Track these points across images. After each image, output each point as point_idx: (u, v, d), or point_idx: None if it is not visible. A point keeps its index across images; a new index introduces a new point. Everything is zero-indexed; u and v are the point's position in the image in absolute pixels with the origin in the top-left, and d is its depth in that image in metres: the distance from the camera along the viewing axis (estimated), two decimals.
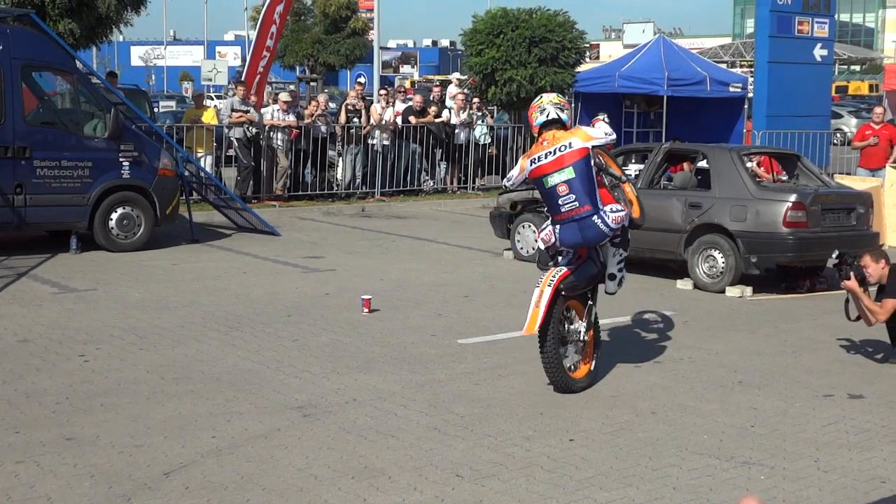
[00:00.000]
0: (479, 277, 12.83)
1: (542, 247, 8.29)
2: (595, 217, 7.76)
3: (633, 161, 16.36)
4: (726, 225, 12.12)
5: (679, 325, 10.37)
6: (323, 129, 19.94)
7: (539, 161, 7.92)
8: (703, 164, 13.08)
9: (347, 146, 20.45)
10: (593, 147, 7.86)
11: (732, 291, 12.01)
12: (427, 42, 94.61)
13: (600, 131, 8.05)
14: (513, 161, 23.05)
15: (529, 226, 14.05)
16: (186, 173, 16.28)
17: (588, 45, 25.50)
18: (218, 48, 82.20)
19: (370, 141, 20.71)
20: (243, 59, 39.49)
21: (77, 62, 15.19)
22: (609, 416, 7.22)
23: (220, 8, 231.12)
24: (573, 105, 23.72)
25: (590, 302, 8.24)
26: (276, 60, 34.31)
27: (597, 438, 6.74)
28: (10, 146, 13.06)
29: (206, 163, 18.73)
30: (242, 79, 20.95)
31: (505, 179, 9.58)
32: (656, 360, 8.86)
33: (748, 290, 12.03)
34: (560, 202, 7.80)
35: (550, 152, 7.89)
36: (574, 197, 7.76)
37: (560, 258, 8.14)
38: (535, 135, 8.22)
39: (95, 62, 49.56)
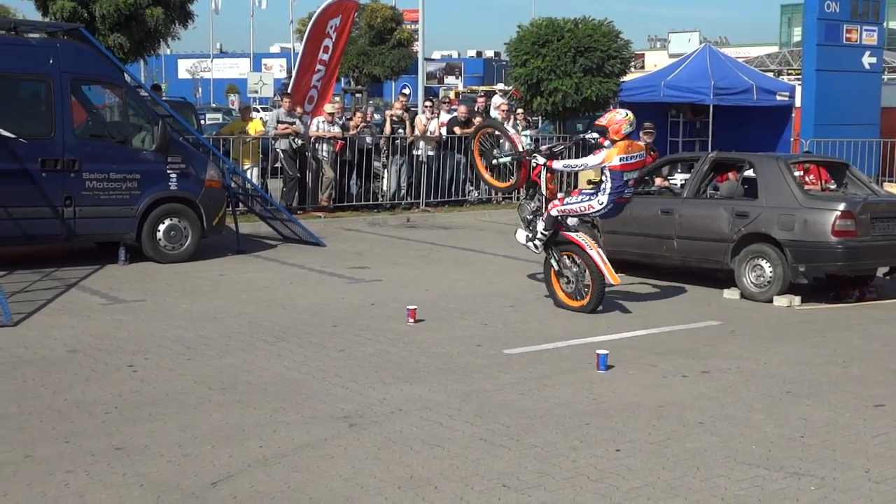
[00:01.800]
0: (525, 287, 12.81)
1: (558, 216, 11.44)
2: None
3: (679, 170, 16.27)
4: (774, 234, 12.01)
5: (726, 335, 10.29)
6: (368, 140, 20.01)
7: (628, 160, 11.03)
8: (749, 173, 12.98)
9: (392, 157, 20.51)
10: None
11: (780, 301, 11.89)
12: (471, 53, 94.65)
13: None
14: (558, 172, 22.97)
15: None
16: (233, 185, 16.40)
17: (633, 55, 25.42)
18: (264, 61, 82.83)
19: (415, 152, 20.76)
20: (289, 72, 39.75)
21: (125, 75, 15.38)
22: (656, 427, 7.17)
23: (266, 21, 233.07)
24: None
25: None
26: None
27: (644, 449, 6.70)
28: (60, 159, 13.23)
29: (253, 174, 18.87)
30: (289, 91, 21.07)
31: (577, 162, 11.97)
32: (703, 370, 8.79)
33: (796, 299, 11.91)
34: (624, 190, 11.19)
35: (634, 157, 11.14)
36: (631, 190, 11.42)
37: (568, 222, 11.59)
38: (615, 139, 11.00)
39: (143, 75, 50.13)
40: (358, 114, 21.21)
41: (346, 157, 19.72)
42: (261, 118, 22.17)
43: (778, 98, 23.00)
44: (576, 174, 22.38)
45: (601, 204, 11.18)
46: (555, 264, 11.57)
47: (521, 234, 12.02)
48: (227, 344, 9.42)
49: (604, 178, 11.14)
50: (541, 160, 11.69)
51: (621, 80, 23.05)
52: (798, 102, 23.54)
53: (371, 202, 20.35)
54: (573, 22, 22.75)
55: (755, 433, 7.05)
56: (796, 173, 13.22)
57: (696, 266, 13.06)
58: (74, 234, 13.55)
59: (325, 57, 21.11)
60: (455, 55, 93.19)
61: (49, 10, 20.95)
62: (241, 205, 16.87)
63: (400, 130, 20.73)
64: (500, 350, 9.38)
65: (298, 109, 19.94)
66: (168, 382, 8.10)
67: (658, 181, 14.38)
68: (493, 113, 23.54)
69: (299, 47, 23.90)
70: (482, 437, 6.85)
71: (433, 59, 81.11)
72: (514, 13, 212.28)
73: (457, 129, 21.38)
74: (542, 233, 11.57)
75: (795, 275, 11.89)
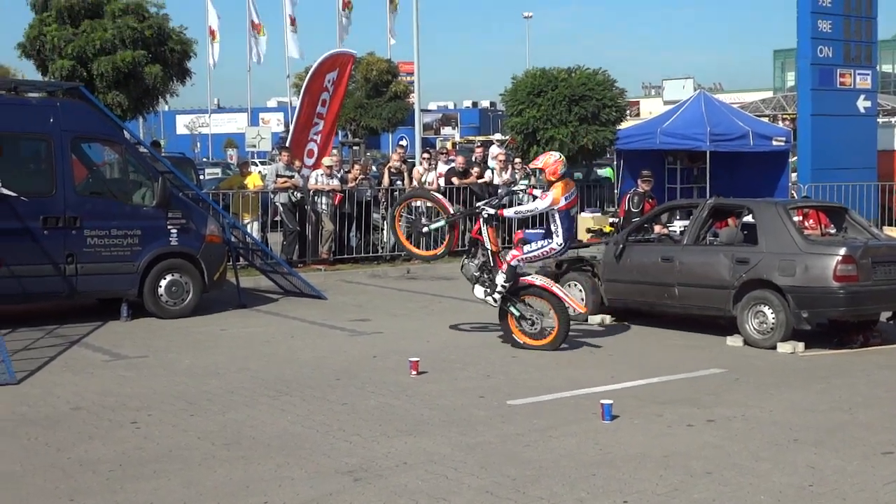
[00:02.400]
0: None
1: (529, 259, 12.13)
2: None
3: (678, 217, 16.31)
4: (775, 280, 12.01)
5: (730, 383, 10.26)
6: (368, 192, 20.06)
7: (570, 198, 11.84)
8: (748, 218, 13.01)
9: (391, 208, 20.54)
10: None
11: (784, 347, 11.87)
12: (467, 103, 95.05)
13: None
14: None
15: (576, 285, 14.02)
16: (233, 239, 16.43)
17: (628, 103, 25.58)
18: (261, 115, 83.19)
19: (414, 203, 20.78)
20: (286, 126, 39.93)
21: (125, 133, 15.47)
22: (663, 477, 7.13)
23: (262, 75, 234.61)
24: (616, 163, 23.77)
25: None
26: None
27: (651, 500, 6.66)
28: (62, 216, 13.27)
29: (253, 229, 18.91)
30: (287, 144, 21.16)
31: (527, 208, 12.48)
32: (709, 419, 8.75)
33: (800, 345, 11.88)
34: (572, 227, 12.11)
35: (573, 194, 11.97)
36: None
37: (528, 270, 12.37)
38: (553, 179, 11.87)
39: (142, 132, 50.35)
40: (356, 166, 21.28)
41: (345, 210, 19.77)
42: (259, 172, 22.24)
43: (774, 143, 23.11)
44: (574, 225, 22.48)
45: (560, 245, 11.99)
46: (515, 311, 12.00)
47: (479, 290, 12.27)
48: (230, 399, 9.39)
49: (552, 220, 11.93)
50: (491, 211, 12.16)
51: (617, 127, 23.17)
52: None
53: (371, 254, 20.37)
54: (567, 71, 22.91)
55: (763, 482, 7.01)
56: (796, 218, 13.25)
57: (697, 313, 13.05)
58: (76, 291, 13.56)
59: (323, 110, 21.19)
60: (451, 106, 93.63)
61: (49, 69, 21.12)
62: (241, 259, 16.87)
63: (398, 182, 20.80)
64: (503, 401, 9.35)
65: (297, 163, 20.02)
66: (171, 439, 8.06)
67: (657, 228, 14.41)
68: (492, 163, 23.63)
69: (296, 101, 24.04)
70: (488, 490, 6.81)
71: (429, 111, 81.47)
72: (508, 64, 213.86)
73: (455, 180, 21.45)
74: (502, 285, 11.96)
75: (798, 321, 11.87)
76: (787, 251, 12.09)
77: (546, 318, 11.93)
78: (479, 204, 12.66)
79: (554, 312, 11.88)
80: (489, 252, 12.21)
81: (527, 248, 12.09)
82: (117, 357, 11.42)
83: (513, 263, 11.99)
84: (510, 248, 12.40)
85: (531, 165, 12.37)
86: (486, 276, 12.18)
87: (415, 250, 13.70)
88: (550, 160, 12.05)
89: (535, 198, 12.23)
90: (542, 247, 12.06)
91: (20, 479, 7.05)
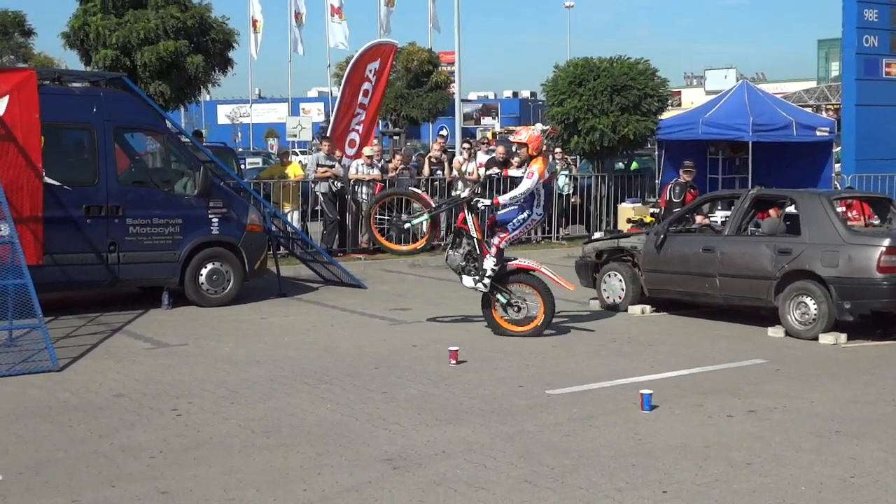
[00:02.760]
0: (566, 327, 12.75)
1: (516, 237, 12.29)
2: None
3: (720, 208, 16.19)
4: (818, 271, 11.90)
5: (772, 374, 10.19)
6: (407, 180, 20.07)
7: (550, 169, 12.34)
8: (791, 209, 12.89)
9: (431, 198, 20.53)
10: None
11: (826, 339, 11.76)
12: (508, 93, 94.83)
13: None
14: (597, 210, 23.00)
15: (616, 275, 13.98)
16: (274, 228, 16.51)
17: (670, 93, 25.37)
18: (302, 105, 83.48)
19: (454, 192, 20.80)
20: (326, 116, 40.06)
21: (167, 122, 15.57)
22: (703, 468, 7.09)
23: (303, 65, 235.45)
24: (657, 153, 23.61)
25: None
26: None
27: (691, 490, 6.62)
28: (104, 205, 13.39)
29: (293, 218, 18.99)
30: (327, 134, 21.22)
31: (519, 192, 11.96)
32: (749, 410, 8.69)
33: (842, 336, 11.77)
34: (549, 196, 11.56)
35: (550, 166, 12.33)
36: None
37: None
38: (533, 154, 12.07)
39: (184, 122, 50.67)
40: (397, 156, 21.30)
41: None
42: (300, 161, 22.32)
43: (818, 133, 22.84)
44: (615, 214, 22.38)
45: (539, 215, 12.30)
46: (502, 298, 12.09)
47: (468, 280, 12.20)
48: (271, 387, 9.44)
49: (536, 193, 12.02)
50: (487, 202, 12.16)
51: (659, 118, 23.01)
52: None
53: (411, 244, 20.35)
54: (608, 61, 22.76)
55: (804, 474, 6.95)
56: (839, 209, 13.11)
57: (738, 304, 12.96)
58: (118, 280, 13.68)
59: (365, 100, 21.24)
60: (491, 96, 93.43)
61: (92, 59, 21.30)
62: (281, 248, 16.96)
63: (438, 172, 20.79)
64: (542, 391, 9.33)
65: (338, 153, 20.07)
66: (212, 426, 8.12)
67: (699, 219, 14.31)
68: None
69: (337, 91, 24.10)
70: (527, 479, 6.81)
71: (470, 101, 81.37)
72: (549, 54, 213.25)
73: (495, 169, 21.40)
74: (492, 269, 11.99)
75: (841, 312, 11.76)
76: (830, 242, 11.97)
77: (531, 303, 12.03)
78: (466, 194, 12.68)
79: (539, 297, 12.01)
80: (474, 240, 12.18)
81: (511, 226, 12.11)
82: (158, 345, 11.52)
83: (501, 246, 12.06)
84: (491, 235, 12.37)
85: (514, 140, 12.40)
86: (472, 265, 12.16)
87: (392, 246, 13.47)
88: (534, 134, 12.25)
89: (511, 179, 12.56)
90: (525, 221, 12.17)
91: (64, 464, 7.13)
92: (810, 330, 11.91)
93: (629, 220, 20.67)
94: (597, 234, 18.04)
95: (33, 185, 12.52)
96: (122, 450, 7.46)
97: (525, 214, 12.13)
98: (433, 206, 12.80)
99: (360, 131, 21.27)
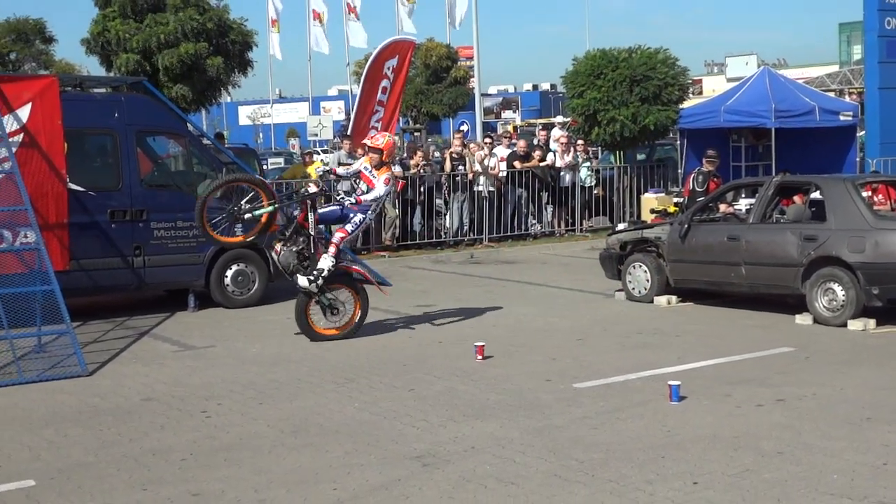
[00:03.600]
0: (592, 320, 12.73)
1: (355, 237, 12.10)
2: None
3: (744, 196, 16.11)
4: (844, 257, 11.82)
5: (800, 362, 10.13)
6: (429, 176, 20.09)
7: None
8: (816, 195, 12.81)
9: (454, 194, 20.57)
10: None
11: (854, 325, 11.68)
12: (528, 86, 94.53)
13: None
14: (620, 201, 22.93)
15: (641, 266, 13.93)
16: None
17: (691, 81, 25.24)
18: (322, 103, 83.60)
19: (476, 188, 20.81)
20: (347, 114, 40.09)
21: (189, 125, 15.63)
22: (733, 458, 7.05)
23: (323, 64, 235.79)
24: (679, 142, 23.51)
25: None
26: None
27: (721, 481, 6.59)
28: (128, 209, 13.46)
29: None
30: (348, 132, 21.24)
31: (377, 192, 11.70)
32: (778, 398, 8.64)
33: (871, 322, 11.69)
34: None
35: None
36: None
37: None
38: (386, 161, 11.85)
39: (205, 124, 50.89)
40: (418, 153, 21.31)
41: (407, 196, 19.82)
42: (321, 160, 22.35)
43: (841, 118, 22.67)
44: (638, 205, 22.29)
45: (374, 212, 12.12)
46: (325, 301, 11.66)
47: (303, 280, 11.52)
48: (298, 387, 9.47)
49: (383, 193, 11.80)
50: (351, 199, 11.67)
51: (680, 107, 22.91)
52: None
53: (434, 240, 20.41)
54: (627, 51, 22.69)
55: (836, 462, 6.91)
56: (865, 194, 13.01)
57: (765, 292, 12.89)
58: (144, 283, 13.76)
59: (384, 97, 21.25)
60: (511, 89, 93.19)
61: (113, 64, 21.44)
62: None
63: (460, 167, 20.80)
64: (569, 384, 9.31)
65: (360, 151, 20.07)
66: (241, 427, 8.15)
67: (723, 207, 14.23)
68: (553, 146, 23.53)
69: (357, 89, 24.13)
70: (556, 474, 6.80)
71: (490, 95, 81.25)
72: (568, 45, 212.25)
73: (517, 164, 21.41)
74: (328, 270, 11.53)
75: (869, 298, 11.67)
76: (856, 227, 11.88)
77: (347, 305, 11.83)
78: (313, 190, 11.89)
79: (354, 298, 11.86)
80: (310, 239, 11.74)
81: (349, 226, 11.71)
82: (186, 347, 11.57)
83: (341, 246, 11.78)
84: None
85: (371, 144, 11.93)
86: (303, 263, 11.65)
87: (220, 238, 12.09)
88: (390, 141, 12.01)
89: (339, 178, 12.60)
90: (362, 222, 11.89)
91: (95, 469, 7.17)
92: (838, 317, 11.83)
93: (653, 211, 20.60)
94: (620, 226, 17.97)
95: (58, 191, 12.62)
96: (153, 453, 7.50)
97: (362, 216, 11.78)
98: (275, 199, 11.94)
99: (380, 128, 21.26)
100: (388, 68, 21.41)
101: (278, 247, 11.77)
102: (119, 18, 21.27)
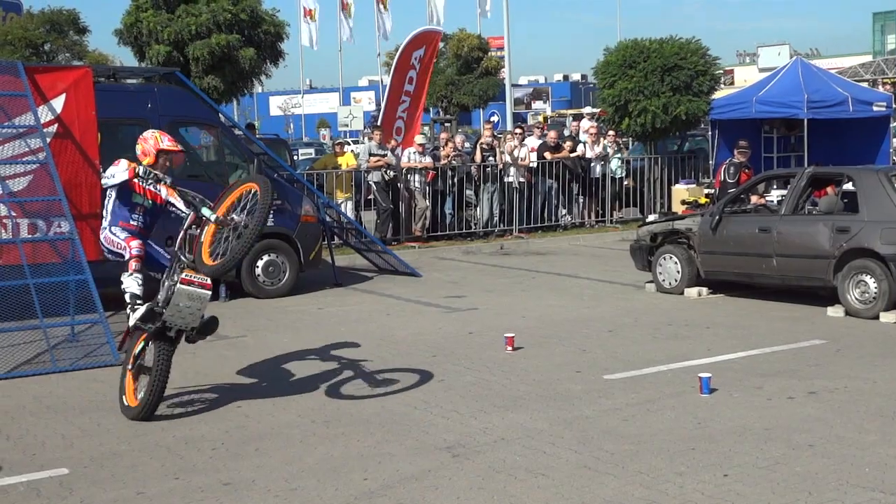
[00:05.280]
0: (622, 311, 12.70)
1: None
2: None
3: (776, 187, 16.01)
4: (877, 249, 11.74)
5: (832, 354, 10.07)
6: (458, 167, 20.09)
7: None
8: (848, 186, 12.72)
9: (484, 185, 20.57)
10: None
11: (887, 317, 11.60)
12: (558, 77, 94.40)
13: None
14: (651, 192, 22.85)
15: (671, 257, 13.89)
16: (328, 219, 16.60)
17: (722, 71, 25.10)
18: (353, 94, 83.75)
19: (506, 178, 20.79)
20: (377, 104, 40.20)
21: (220, 116, 15.71)
22: (763, 450, 7.03)
23: (353, 55, 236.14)
24: (711, 133, 23.39)
25: None
26: None
27: (752, 473, 6.58)
28: None
29: (347, 207, 19.08)
30: (378, 123, 21.28)
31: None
32: (810, 391, 8.60)
33: None
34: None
35: None
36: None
37: None
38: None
39: (236, 114, 51.09)
40: (449, 143, 21.33)
41: (437, 187, 19.85)
42: (352, 151, 22.42)
43: (875, 109, 22.47)
44: (669, 196, 22.19)
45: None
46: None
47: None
48: (328, 377, 9.50)
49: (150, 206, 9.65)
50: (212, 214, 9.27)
51: (711, 97, 22.80)
52: None
53: (464, 231, 20.43)
54: (658, 42, 22.61)
55: (868, 455, 6.88)
56: None
57: (796, 284, 12.81)
58: None
59: (410, 88, 21.31)
60: (542, 80, 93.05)
61: (146, 55, 21.55)
62: (336, 238, 17.05)
63: (490, 158, 20.80)
64: (599, 376, 9.31)
65: (392, 142, 20.13)
66: (272, 417, 8.20)
67: (754, 199, 14.17)
68: (583, 137, 23.47)
69: (387, 79, 24.20)
70: (586, 465, 6.80)
71: (520, 85, 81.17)
72: (599, 36, 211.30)
73: (547, 154, 21.37)
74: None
75: None
76: (889, 219, 11.79)
77: None
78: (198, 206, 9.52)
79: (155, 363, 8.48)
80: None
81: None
82: (217, 337, 11.57)
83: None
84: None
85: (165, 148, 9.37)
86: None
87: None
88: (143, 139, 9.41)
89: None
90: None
91: (128, 457, 7.24)
92: (871, 309, 11.76)
93: (683, 202, 20.51)
94: (651, 217, 17.90)
95: (91, 181, 12.70)
96: (185, 442, 7.57)
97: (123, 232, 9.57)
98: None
99: (406, 119, 21.34)
100: (416, 59, 21.45)
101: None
102: (152, 9, 21.38)
